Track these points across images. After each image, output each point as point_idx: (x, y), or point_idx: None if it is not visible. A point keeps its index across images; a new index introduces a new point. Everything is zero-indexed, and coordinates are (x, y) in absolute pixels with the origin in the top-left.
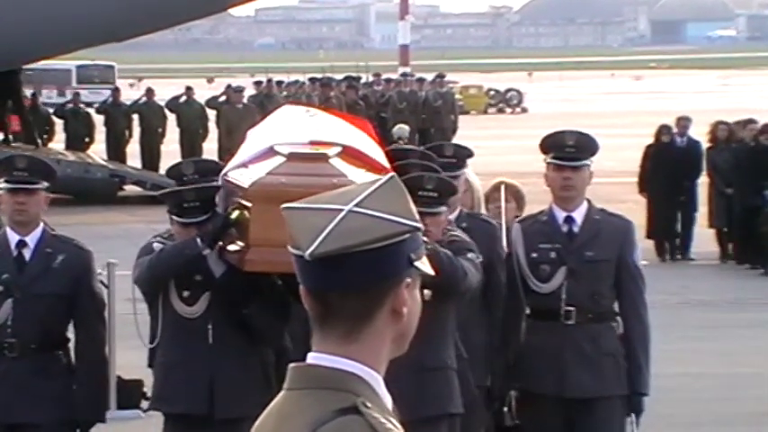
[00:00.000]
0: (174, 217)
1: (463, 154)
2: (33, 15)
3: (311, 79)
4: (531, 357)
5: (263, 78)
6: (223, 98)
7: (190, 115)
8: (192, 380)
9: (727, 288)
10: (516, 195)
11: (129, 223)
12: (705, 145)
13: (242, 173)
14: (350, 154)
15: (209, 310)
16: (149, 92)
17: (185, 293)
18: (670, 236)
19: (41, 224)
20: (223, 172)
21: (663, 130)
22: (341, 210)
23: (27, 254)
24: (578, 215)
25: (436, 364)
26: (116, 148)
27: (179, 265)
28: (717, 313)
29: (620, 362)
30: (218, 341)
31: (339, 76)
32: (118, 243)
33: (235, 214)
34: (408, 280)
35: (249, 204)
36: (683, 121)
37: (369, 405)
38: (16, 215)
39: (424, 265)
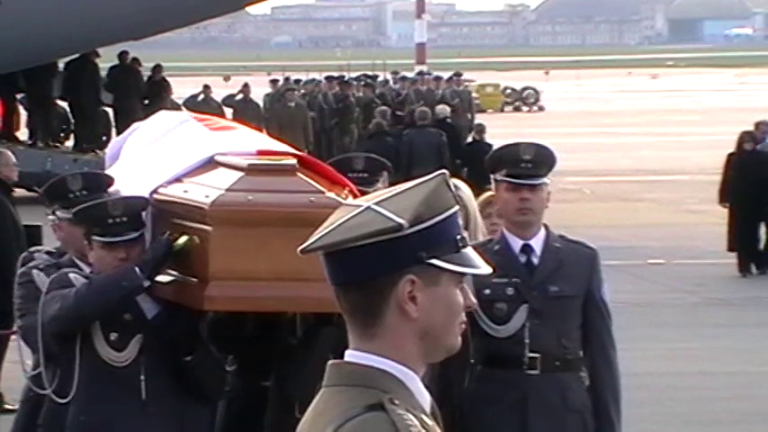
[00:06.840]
0: (97, 237)
1: (376, 167)
2: (51, 15)
3: (328, 78)
4: (483, 413)
5: (280, 77)
6: (240, 96)
7: (207, 113)
8: None
9: (743, 286)
10: None
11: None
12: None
13: (185, 189)
14: (306, 166)
15: (140, 357)
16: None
17: (113, 336)
18: (755, 249)
19: None
20: (149, 188)
21: (745, 137)
22: (360, 206)
23: None
24: (537, 243)
25: None
26: None
27: (115, 300)
28: (733, 311)
29: (587, 420)
30: (152, 396)
31: (356, 75)
32: None
33: (182, 240)
34: (411, 277)
35: (207, 228)
36: (764, 126)
37: (396, 402)
38: None
39: (454, 263)
